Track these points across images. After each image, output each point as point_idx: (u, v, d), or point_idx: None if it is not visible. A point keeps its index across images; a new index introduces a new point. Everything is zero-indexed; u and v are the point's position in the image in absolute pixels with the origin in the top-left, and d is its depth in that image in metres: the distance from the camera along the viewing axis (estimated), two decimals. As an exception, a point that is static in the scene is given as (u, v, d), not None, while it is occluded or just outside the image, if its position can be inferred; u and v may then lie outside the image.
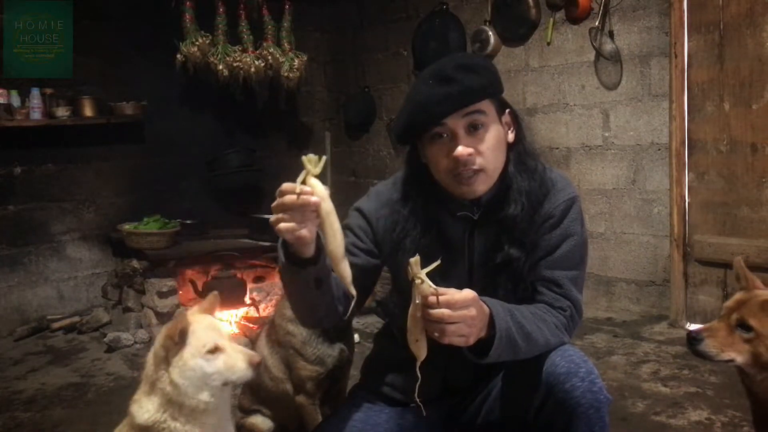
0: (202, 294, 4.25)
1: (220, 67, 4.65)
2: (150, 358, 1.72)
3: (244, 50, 4.77)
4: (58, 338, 4.18)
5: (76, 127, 4.44)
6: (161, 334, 1.69)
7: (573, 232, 1.63)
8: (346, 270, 1.36)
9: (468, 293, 1.37)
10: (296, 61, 4.91)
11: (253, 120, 5.34)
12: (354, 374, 3.03)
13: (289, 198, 1.31)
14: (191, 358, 1.64)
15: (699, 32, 3.75)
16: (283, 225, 1.32)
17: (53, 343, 4.11)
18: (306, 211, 1.32)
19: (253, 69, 4.75)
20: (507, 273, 1.62)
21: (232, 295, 4.20)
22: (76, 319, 4.33)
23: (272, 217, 1.34)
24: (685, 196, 3.90)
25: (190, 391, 1.65)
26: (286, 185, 1.33)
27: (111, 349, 3.84)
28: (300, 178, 1.31)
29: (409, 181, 1.71)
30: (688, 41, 3.80)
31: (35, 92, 4.24)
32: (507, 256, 1.61)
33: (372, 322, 4.24)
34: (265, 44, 4.85)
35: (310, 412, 2.30)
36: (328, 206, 1.32)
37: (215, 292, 1.85)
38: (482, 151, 1.55)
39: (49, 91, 4.31)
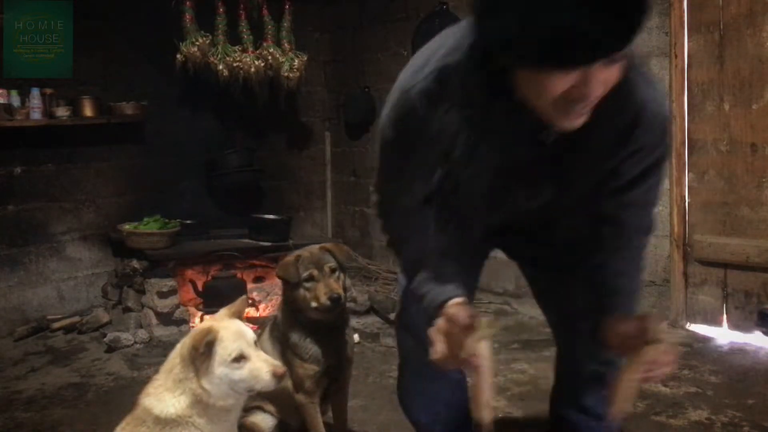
0: (202, 294, 4.26)
1: (220, 67, 4.65)
2: (176, 357, 1.78)
3: (244, 50, 4.77)
4: (58, 338, 4.18)
5: (76, 127, 4.44)
6: (189, 339, 1.75)
7: (663, 157, 1.52)
8: (486, 418, 1.40)
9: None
10: (296, 61, 4.91)
11: (253, 120, 5.34)
12: (355, 374, 3.04)
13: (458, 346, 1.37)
14: (218, 367, 1.71)
15: (699, 32, 3.75)
16: (439, 358, 1.40)
17: (53, 343, 4.11)
18: (468, 366, 1.39)
19: (253, 69, 4.75)
20: (584, 198, 1.56)
21: (232, 295, 4.17)
22: (76, 319, 4.32)
23: (437, 353, 1.40)
24: (685, 196, 3.90)
25: (218, 396, 1.73)
26: (459, 318, 1.38)
27: (111, 349, 3.84)
28: (475, 337, 1.37)
29: (484, 81, 1.36)
30: (688, 41, 3.80)
31: (35, 92, 4.23)
32: (584, 178, 1.51)
33: (372, 322, 4.25)
34: (265, 44, 4.85)
35: (310, 411, 2.31)
36: (488, 368, 1.37)
37: (244, 297, 1.93)
38: (606, 88, 1.29)
39: (49, 91, 4.31)
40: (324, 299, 2.24)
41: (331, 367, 2.33)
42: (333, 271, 2.30)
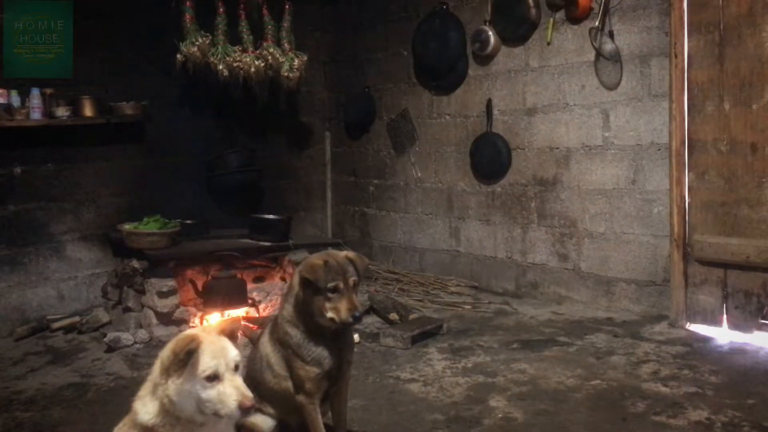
0: (202, 294, 4.26)
1: (220, 67, 4.65)
2: (158, 361, 1.74)
3: (244, 50, 4.77)
4: (58, 338, 4.18)
5: (76, 127, 4.44)
6: (171, 344, 1.72)
7: None
8: None
9: None
10: (296, 61, 4.91)
11: (253, 120, 5.34)
12: (355, 374, 3.04)
13: None
14: (188, 380, 1.67)
15: (699, 32, 3.75)
16: None
17: (53, 343, 4.11)
18: None
19: (253, 69, 4.75)
20: None
21: (232, 295, 4.20)
22: (76, 319, 4.32)
23: None
24: (685, 196, 3.90)
25: (185, 410, 1.69)
26: None
27: (111, 349, 3.84)
28: None
29: None
30: (688, 41, 3.80)
31: (35, 92, 4.24)
32: None
33: (372, 322, 4.25)
34: (265, 44, 4.85)
35: (310, 412, 2.32)
36: None
37: (239, 318, 1.87)
38: None
39: (49, 91, 4.31)
40: (346, 315, 2.22)
41: (333, 369, 2.33)
42: (355, 285, 2.29)
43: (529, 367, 3.38)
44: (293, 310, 2.32)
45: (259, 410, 2.41)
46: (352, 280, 2.27)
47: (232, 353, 1.76)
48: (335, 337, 2.33)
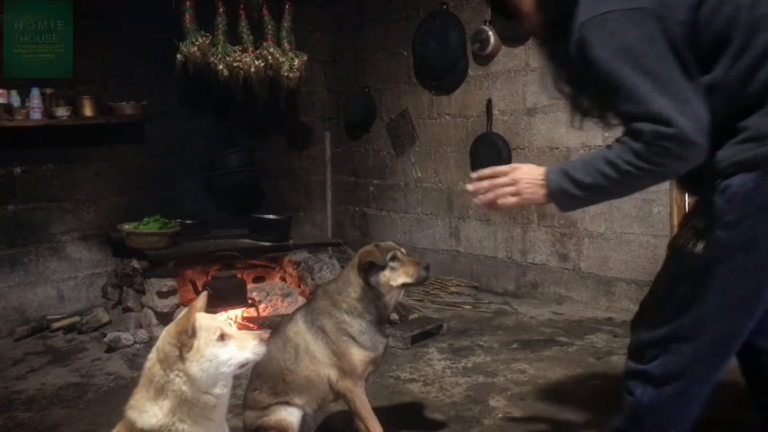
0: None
1: (220, 67, 4.65)
2: (154, 363, 1.77)
3: (244, 50, 4.77)
4: (58, 338, 4.18)
5: (76, 127, 4.44)
6: (168, 335, 1.77)
7: (592, 59, 1.59)
8: None
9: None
10: (296, 61, 4.91)
11: (253, 120, 5.34)
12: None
13: None
14: (206, 347, 1.74)
15: (699, 32, 3.75)
16: None
17: (53, 343, 4.11)
18: None
19: (253, 69, 4.75)
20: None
21: (232, 295, 4.20)
22: (76, 319, 4.32)
23: None
24: (685, 196, 3.89)
25: (207, 384, 1.74)
26: None
27: (111, 349, 3.84)
28: None
29: None
30: (688, 41, 3.79)
31: (35, 92, 4.24)
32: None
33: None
34: (265, 44, 4.85)
35: (359, 393, 2.41)
36: None
37: (205, 291, 2.01)
38: None
39: (49, 91, 4.31)
40: (416, 271, 2.40)
41: (383, 353, 2.49)
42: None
43: (529, 367, 3.39)
44: (356, 302, 2.43)
45: (286, 403, 2.43)
46: (403, 249, 2.49)
47: (220, 318, 1.91)
48: (385, 324, 2.52)
